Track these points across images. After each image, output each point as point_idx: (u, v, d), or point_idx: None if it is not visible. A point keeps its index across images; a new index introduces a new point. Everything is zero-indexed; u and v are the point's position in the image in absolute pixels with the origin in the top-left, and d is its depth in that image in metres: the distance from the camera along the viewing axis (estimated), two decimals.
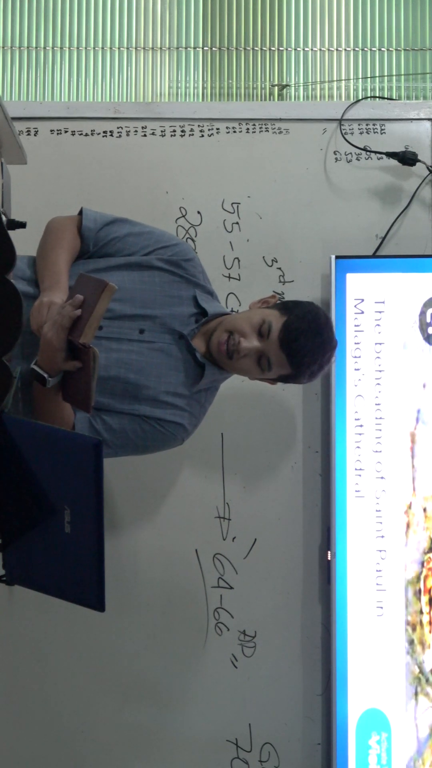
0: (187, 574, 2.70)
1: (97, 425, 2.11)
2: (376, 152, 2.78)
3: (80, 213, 2.22)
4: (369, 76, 3.15)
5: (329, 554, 2.63)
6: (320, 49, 3.16)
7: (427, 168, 2.77)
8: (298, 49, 3.16)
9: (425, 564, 2.59)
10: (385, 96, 3.08)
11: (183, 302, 2.20)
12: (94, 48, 3.16)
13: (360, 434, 2.62)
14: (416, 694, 2.57)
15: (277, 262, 2.77)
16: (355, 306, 2.65)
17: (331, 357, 2.19)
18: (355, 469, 2.61)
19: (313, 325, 2.12)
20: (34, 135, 2.76)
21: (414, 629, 2.57)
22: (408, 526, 2.60)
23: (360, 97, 2.95)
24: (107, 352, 2.08)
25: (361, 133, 2.80)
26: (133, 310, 2.13)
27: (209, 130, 2.79)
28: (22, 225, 1.94)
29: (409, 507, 2.60)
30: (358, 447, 2.62)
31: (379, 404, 2.63)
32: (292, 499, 2.73)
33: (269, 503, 2.72)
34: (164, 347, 2.16)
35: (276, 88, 3.14)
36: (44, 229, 2.21)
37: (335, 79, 3.15)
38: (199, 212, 2.77)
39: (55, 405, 2.02)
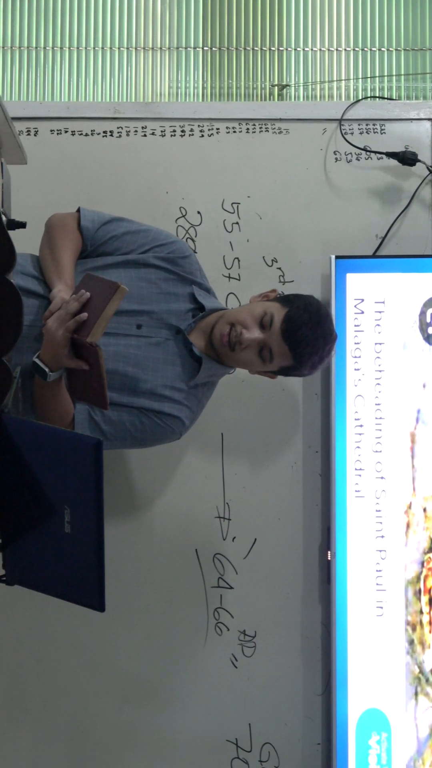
0: (187, 574, 2.70)
1: (96, 417, 2.13)
2: (376, 152, 2.78)
3: (77, 211, 2.23)
4: (369, 76, 3.15)
5: (329, 554, 2.63)
6: (320, 49, 3.16)
7: (427, 168, 2.77)
8: (298, 49, 3.16)
9: (425, 564, 2.59)
10: (385, 96, 3.08)
11: (179, 299, 2.21)
12: (94, 48, 3.16)
13: (360, 434, 2.62)
14: (416, 694, 2.57)
15: (277, 262, 2.77)
16: (355, 306, 2.65)
17: (331, 349, 2.20)
18: (355, 469, 2.61)
19: (314, 316, 2.14)
20: (34, 135, 2.76)
21: (414, 629, 2.57)
22: (408, 526, 2.60)
23: (360, 97, 2.95)
24: (105, 347, 2.09)
25: (361, 133, 2.80)
26: (130, 306, 2.14)
27: (209, 130, 2.79)
28: (22, 225, 1.94)
29: (409, 507, 2.60)
30: (358, 447, 2.62)
31: (379, 404, 2.63)
32: (292, 499, 2.73)
33: (269, 503, 2.72)
34: (161, 342, 2.18)
35: (276, 88, 3.14)
36: (45, 224, 2.22)
37: (335, 79, 3.15)
38: (199, 212, 2.77)
39: (55, 397, 2.04)
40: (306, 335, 2.11)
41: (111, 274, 2.13)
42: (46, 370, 1.96)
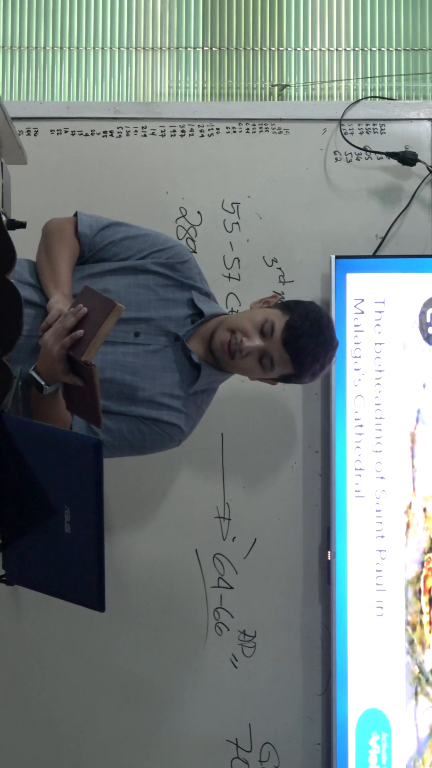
0: (187, 574, 2.70)
1: (95, 426, 2.12)
2: (376, 152, 2.78)
3: (75, 215, 2.22)
4: (369, 76, 3.15)
5: (329, 554, 2.63)
6: (320, 49, 3.16)
7: (427, 168, 2.77)
8: (298, 49, 3.16)
9: (425, 564, 2.59)
10: (385, 96, 3.08)
11: (178, 305, 2.20)
12: (94, 48, 3.16)
13: (360, 434, 2.62)
14: (416, 694, 2.57)
15: (277, 262, 2.77)
16: (355, 306, 2.65)
17: (332, 357, 2.19)
18: (355, 469, 2.61)
19: (315, 324, 2.12)
20: (34, 135, 2.76)
21: (414, 629, 2.58)
22: (408, 526, 2.60)
23: (360, 97, 2.95)
24: (102, 355, 2.08)
25: (361, 133, 2.80)
26: (127, 313, 2.12)
27: (209, 130, 2.79)
28: (22, 225, 1.94)
29: (409, 507, 2.60)
30: (358, 447, 2.62)
31: (379, 404, 2.63)
32: (292, 499, 2.73)
33: (269, 503, 2.72)
34: (160, 349, 2.16)
35: (276, 88, 3.14)
36: (42, 230, 2.21)
37: (335, 79, 3.15)
38: (199, 212, 2.77)
39: (52, 409, 2.03)
40: (307, 344, 2.09)
41: (108, 281, 2.12)
42: (43, 383, 1.96)
